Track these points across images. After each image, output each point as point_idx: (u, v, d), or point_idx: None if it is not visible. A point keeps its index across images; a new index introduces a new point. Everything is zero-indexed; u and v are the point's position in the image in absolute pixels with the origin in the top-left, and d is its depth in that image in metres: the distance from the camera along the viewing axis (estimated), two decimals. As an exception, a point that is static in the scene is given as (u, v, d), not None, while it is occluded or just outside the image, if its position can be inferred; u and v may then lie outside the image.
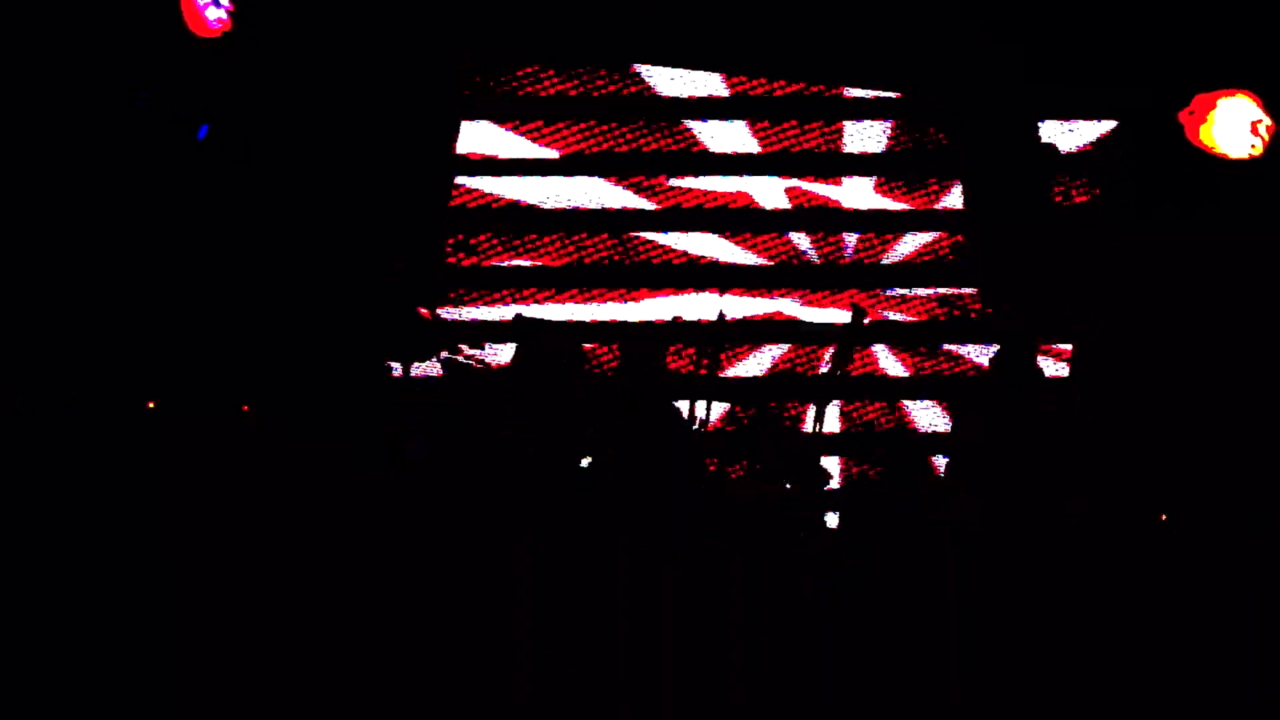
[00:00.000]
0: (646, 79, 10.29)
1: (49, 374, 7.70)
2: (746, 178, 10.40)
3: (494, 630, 6.85)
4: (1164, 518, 7.43)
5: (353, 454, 7.52)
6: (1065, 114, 9.48)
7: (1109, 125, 9.60)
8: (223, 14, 8.40)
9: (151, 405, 7.62)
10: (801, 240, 10.43)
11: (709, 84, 10.34)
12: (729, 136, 10.38)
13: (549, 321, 8.66)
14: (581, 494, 7.36)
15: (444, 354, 8.42)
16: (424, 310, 8.64)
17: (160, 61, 8.41)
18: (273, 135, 8.79)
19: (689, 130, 10.39)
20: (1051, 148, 9.10)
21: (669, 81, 10.31)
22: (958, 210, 9.93)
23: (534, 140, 10.23)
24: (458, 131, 9.98)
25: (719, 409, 8.83)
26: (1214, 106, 7.72)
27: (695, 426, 8.16)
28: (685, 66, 10.18)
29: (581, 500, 7.30)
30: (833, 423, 10.13)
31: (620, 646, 6.88)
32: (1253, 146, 7.64)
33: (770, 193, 10.41)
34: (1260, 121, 7.68)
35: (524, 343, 8.26)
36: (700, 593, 6.98)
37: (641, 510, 7.31)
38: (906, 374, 10.20)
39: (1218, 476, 7.43)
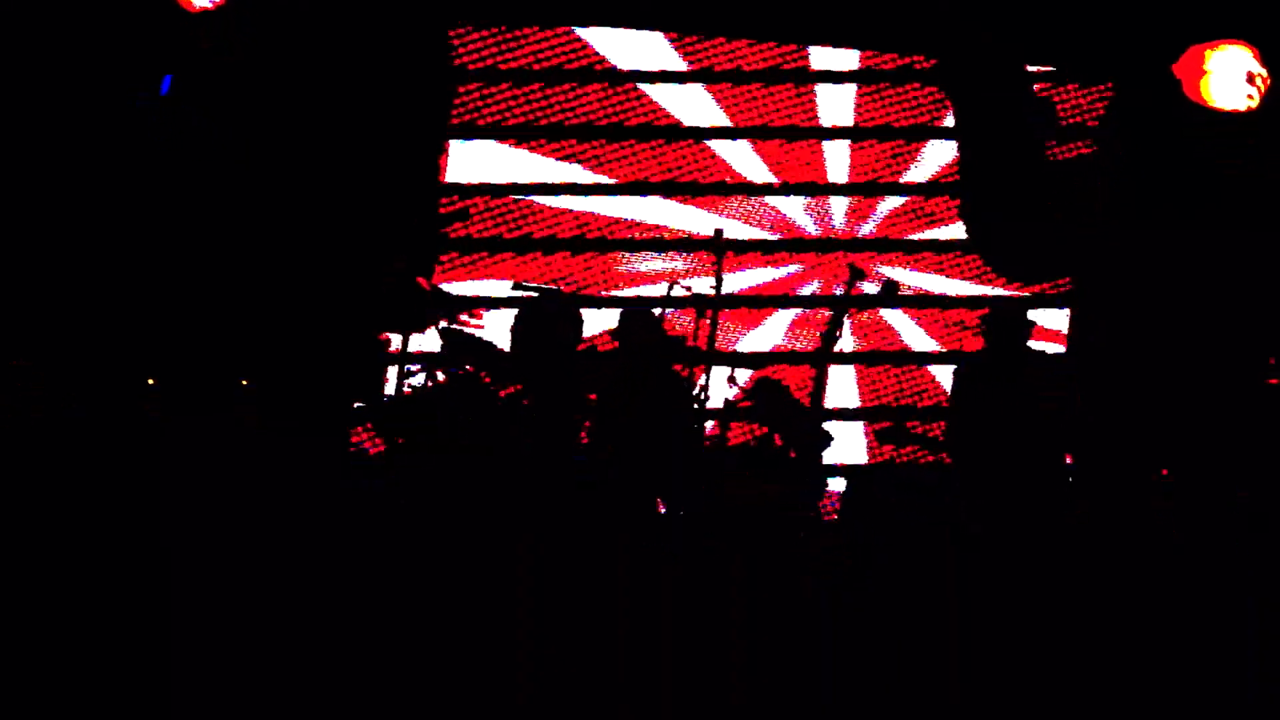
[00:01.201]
0: (591, 44, 10.30)
1: (49, 374, 7.70)
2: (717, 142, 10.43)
3: (494, 630, 6.85)
4: (1165, 472, 7.43)
5: (350, 454, 7.53)
6: (1054, 67, 9.47)
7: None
8: None
9: (152, 382, 7.61)
10: (791, 204, 10.47)
11: (653, 45, 10.36)
12: (687, 98, 10.38)
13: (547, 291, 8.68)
14: (581, 494, 7.37)
15: (443, 323, 8.43)
16: (422, 280, 8.65)
17: (159, 59, 8.41)
18: (268, 131, 8.79)
19: (644, 95, 10.41)
20: (1049, 102, 9.10)
21: (613, 45, 10.32)
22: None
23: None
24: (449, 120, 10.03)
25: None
26: (1208, 57, 7.67)
27: (697, 392, 8.17)
28: (630, 26, 10.17)
29: (581, 500, 7.31)
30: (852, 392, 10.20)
31: (620, 646, 6.88)
32: (1249, 97, 7.59)
33: (742, 155, 10.44)
34: (1257, 74, 7.63)
35: (522, 316, 8.28)
36: (700, 593, 6.97)
37: (641, 510, 7.32)
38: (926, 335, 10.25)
39: (1218, 476, 7.42)
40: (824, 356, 8.75)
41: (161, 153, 8.27)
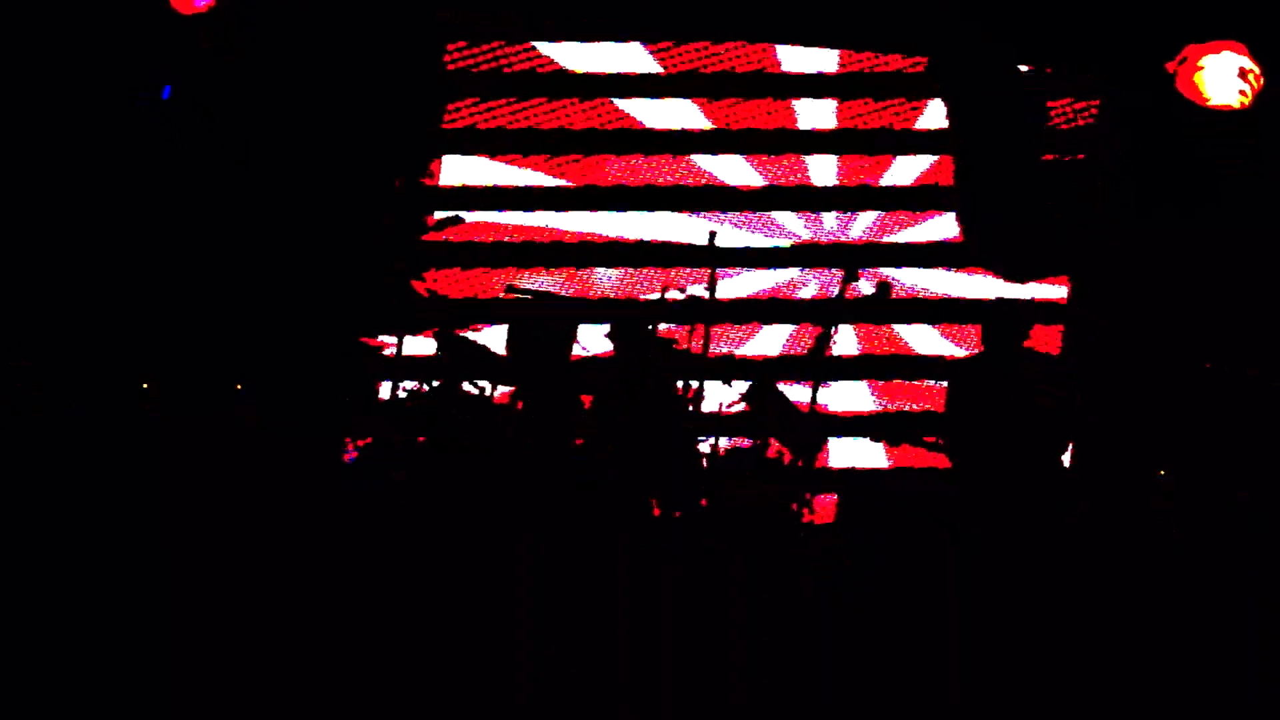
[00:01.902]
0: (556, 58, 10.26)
1: (49, 374, 7.70)
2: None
3: (494, 630, 6.85)
4: (1161, 473, 7.45)
5: (349, 454, 7.52)
6: (1050, 67, 9.46)
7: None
8: None
9: (146, 386, 7.60)
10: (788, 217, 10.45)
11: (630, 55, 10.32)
12: (668, 105, 10.36)
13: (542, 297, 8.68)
14: (581, 494, 7.36)
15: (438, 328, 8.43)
16: (418, 284, 8.65)
17: (159, 59, 8.40)
18: (267, 132, 8.78)
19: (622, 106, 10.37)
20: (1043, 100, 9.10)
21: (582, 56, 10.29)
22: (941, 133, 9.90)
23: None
24: (441, 109, 10.01)
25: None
26: (1201, 55, 7.69)
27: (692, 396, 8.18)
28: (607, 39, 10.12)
29: (581, 500, 7.31)
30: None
31: (620, 646, 6.88)
32: (1241, 93, 7.61)
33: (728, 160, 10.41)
34: (1249, 71, 7.66)
35: (517, 322, 8.28)
36: (700, 593, 6.97)
37: (641, 510, 7.32)
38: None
39: (1218, 476, 7.43)
40: (817, 362, 8.74)
41: (161, 153, 8.26)
